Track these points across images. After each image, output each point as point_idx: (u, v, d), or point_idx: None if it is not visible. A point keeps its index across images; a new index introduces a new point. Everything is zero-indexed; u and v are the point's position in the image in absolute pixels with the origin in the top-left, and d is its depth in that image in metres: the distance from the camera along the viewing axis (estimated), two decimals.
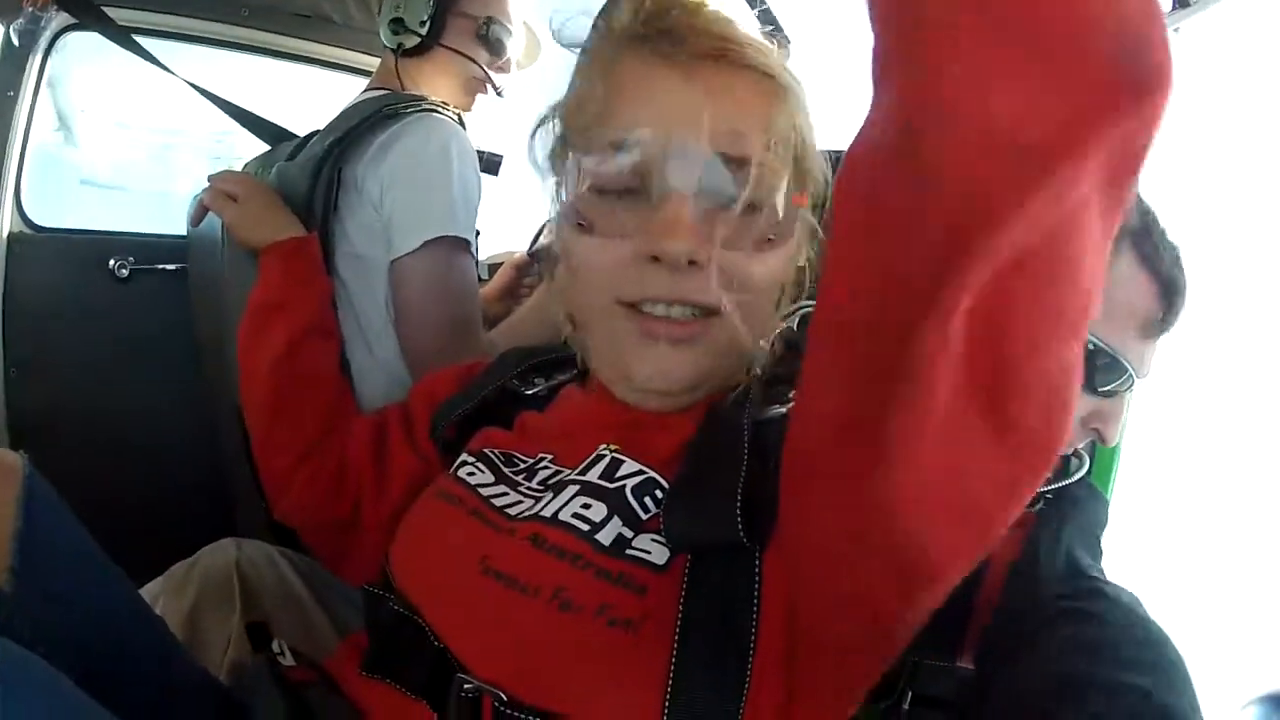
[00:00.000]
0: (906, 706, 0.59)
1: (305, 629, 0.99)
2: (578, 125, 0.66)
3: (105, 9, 1.45)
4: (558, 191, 0.68)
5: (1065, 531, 0.73)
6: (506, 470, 0.69)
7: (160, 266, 1.58)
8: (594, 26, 0.72)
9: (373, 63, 1.39)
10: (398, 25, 1.25)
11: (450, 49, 1.27)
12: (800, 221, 0.65)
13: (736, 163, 0.60)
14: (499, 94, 1.34)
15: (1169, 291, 0.72)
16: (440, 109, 1.17)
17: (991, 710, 0.59)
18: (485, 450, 0.71)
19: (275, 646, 0.69)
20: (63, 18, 1.47)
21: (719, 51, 0.62)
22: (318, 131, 1.23)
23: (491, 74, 1.31)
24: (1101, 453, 0.92)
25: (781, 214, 0.61)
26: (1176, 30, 0.91)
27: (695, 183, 0.59)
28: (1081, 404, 0.72)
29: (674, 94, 0.61)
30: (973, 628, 0.67)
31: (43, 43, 1.48)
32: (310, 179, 1.12)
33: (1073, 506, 0.76)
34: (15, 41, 1.44)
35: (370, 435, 0.88)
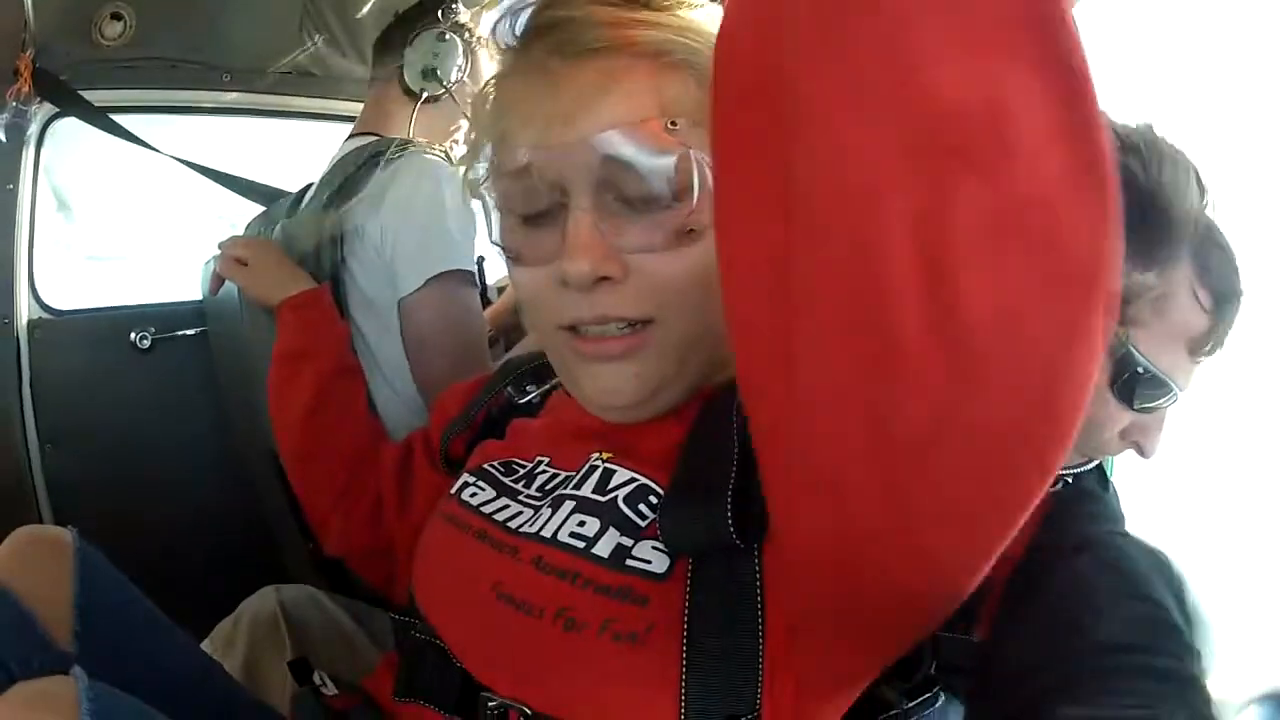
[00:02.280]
0: (932, 672, 0.61)
1: (355, 656, 1.03)
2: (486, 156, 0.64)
3: (88, 91, 1.50)
4: (489, 225, 0.65)
5: (1087, 510, 0.74)
6: (506, 480, 0.69)
7: (180, 333, 1.63)
8: None
9: (355, 109, 1.42)
10: (430, 75, 1.28)
11: (457, 104, 1.31)
12: None
13: (628, 159, 0.55)
14: None
15: (1223, 308, 0.70)
16: (428, 149, 1.21)
17: (1001, 663, 0.60)
18: (483, 465, 0.72)
19: (316, 678, 0.72)
20: (49, 106, 1.51)
21: (601, 42, 0.56)
22: (310, 185, 1.27)
23: None
24: None
25: (698, 198, 0.55)
26: None
27: (586, 193, 0.56)
28: (1121, 417, 0.72)
29: (549, 102, 0.57)
30: (988, 603, 0.67)
31: (33, 133, 1.51)
32: (314, 232, 1.17)
33: (1091, 491, 0.77)
34: (2, 137, 1.47)
35: (396, 461, 0.92)
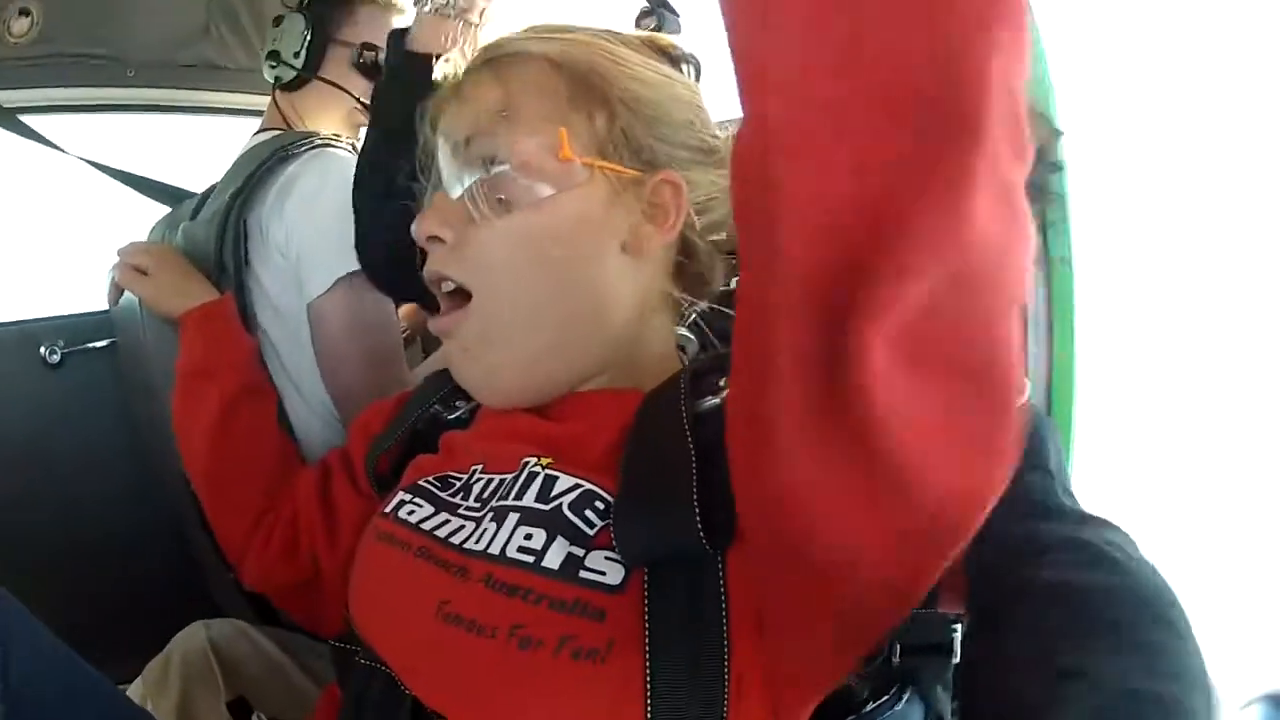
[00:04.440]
0: (897, 660, 0.57)
1: (289, 692, 0.99)
2: None
3: None
4: None
5: (1031, 470, 0.70)
6: (443, 495, 0.67)
7: (90, 345, 1.54)
8: None
9: (265, 103, 1.35)
10: (274, 59, 1.22)
11: (327, 81, 1.24)
12: (583, 171, 0.64)
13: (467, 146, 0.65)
14: None
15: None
16: (333, 142, 1.14)
17: (979, 688, 0.58)
18: (419, 482, 0.69)
19: (255, 719, 0.70)
20: None
21: (493, 54, 0.68)
22: (215, 185, 1.21)
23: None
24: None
25: (515, 173, 0.63)
26: None
27: (442, 178, 0.66)
28: None
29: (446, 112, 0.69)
30: (948, 578, 0.64)
31: None
32: (217, 235, 1.10)
33: (1030, 440, 0.72)
34: None
35: (315, 485, 0.86)
